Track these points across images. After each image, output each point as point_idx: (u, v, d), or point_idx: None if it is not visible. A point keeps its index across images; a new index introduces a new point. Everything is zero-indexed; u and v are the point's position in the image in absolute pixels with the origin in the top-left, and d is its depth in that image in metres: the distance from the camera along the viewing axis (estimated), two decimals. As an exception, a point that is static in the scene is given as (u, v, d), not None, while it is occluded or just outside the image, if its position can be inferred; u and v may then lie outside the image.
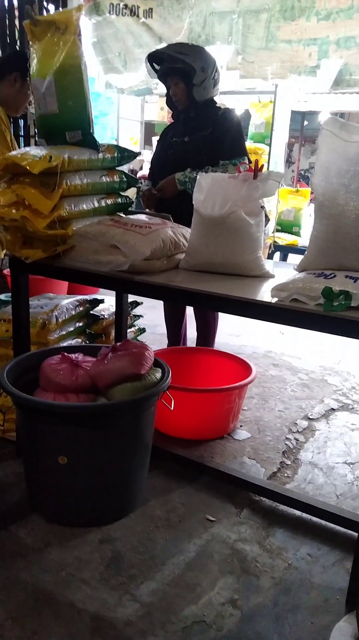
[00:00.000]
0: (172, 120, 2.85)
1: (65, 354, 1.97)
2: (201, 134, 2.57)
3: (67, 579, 1.64)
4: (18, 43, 3.82)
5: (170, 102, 2.69)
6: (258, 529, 1.91)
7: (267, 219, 2.67)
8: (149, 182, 2.78)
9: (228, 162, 2.51)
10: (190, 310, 3.15)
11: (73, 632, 1.46)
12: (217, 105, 2.66)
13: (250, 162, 2.56)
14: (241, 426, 2.65)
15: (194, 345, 3.13)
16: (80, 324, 2.68)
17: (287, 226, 5.76)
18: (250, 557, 1.77)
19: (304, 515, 1.97)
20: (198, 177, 1.91)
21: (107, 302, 2.91)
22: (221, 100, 4.91)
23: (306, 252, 1.66)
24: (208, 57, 2.53)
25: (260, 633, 1.49)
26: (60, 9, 4.04)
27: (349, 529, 1.86)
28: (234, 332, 4.00)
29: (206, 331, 3.07)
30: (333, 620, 1.52)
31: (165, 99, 2.78)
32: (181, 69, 2.47)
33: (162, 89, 2.72)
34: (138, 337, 3.08)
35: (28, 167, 1.77)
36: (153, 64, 2.61)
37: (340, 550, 1.82)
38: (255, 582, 1.67)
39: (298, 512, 1.98)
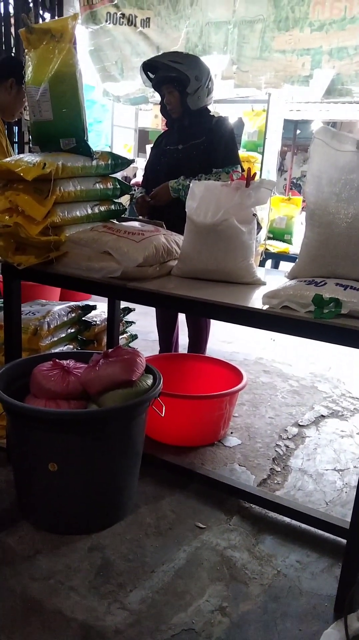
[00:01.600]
0: (166, 128, 2.88)
1: (57, 360, 1.97)
2: (195, 142, 2.59)
3: (55, 587, 1.63)
4: (14, 50, 3.83)
5: (164, 111, 2.71)
6: (248, 536, 1.91)
7: (259, 227, 2.68)
8: (142, 189, 2.79)
9: (221, 170, 2.53)
10: (182, 317, 3.16)
11: (61, 640, 1.45)
12: (211, 113, 2.68)
13: (243, 170, 2.58)
14: (231, 433, 2.66)
15: (186, 351, 3.13)
16: (72, 331, 2.68)
17: (279, 234, 5.79)
18: (239, 564, 1.77)
19: (294, 522, 1.97)
20: (191, 184, 1.92)
21: (99, 309, 2.91)
22: (215, 109, 4.96)
23: (297, 259, 1.68)
24: (203, 66, 2.55)
25: (248, 641, 1.49)
26: (56, 17, 4.05)
27: (338, 536, 1.87)
28: (226, 339, 4.01)
29: (198, 338, 3.08)
30: (321, 627, 1.52)
31: (159, 106, 2.81)
32: (176, 78, 2.49)
33: (158, 98, 2.74)
34: (130, 344, 3.08)
35: (22, 174, 1.78)
36: (148, 72, 2.63)
37: (329, 557, 1.83)
38: (244, 589, 1.67)
39: (287, 519, 1.99)
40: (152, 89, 2.71)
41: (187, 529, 1.92)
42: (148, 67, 2.61)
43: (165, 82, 2.56)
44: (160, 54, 2.79)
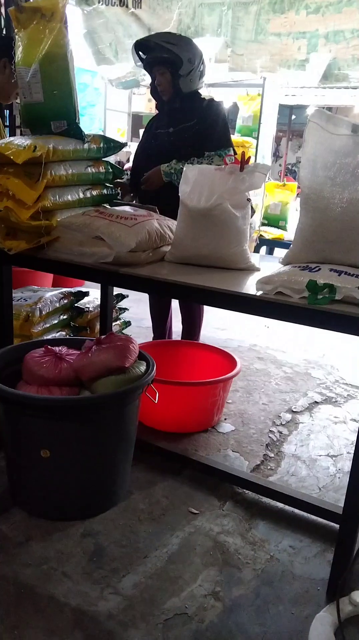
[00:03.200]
0: (157, 112, 2.84)
1: (49, 346, 1.96)
2: (186, 125, 2.55)
3: (48, 572, 1.63)
4: (4, 31, 3.76)
5: (154, 92, 2.67)
6: (241, 521, 1.92)
7: (252, 211, 2.66)
8: (129, 175, 2.76)
9: (213, 153, 2.50)
10: (175, 304, 3.15)
11: (54, 626, 1.45)
12: (202, 97, 2.64)
13: (235, 153, 2.55)
14: (225, 419, 2.66)
15: (179, 338, 3.12)
16: (65, 317, 2.67)
17: (273, 220, 5.76)
18: (232, 549, 1.78)
19: (287, 507, 1.98)
20: (184, 168, 1.90)
21: (92, 295, 2.89)
22: (209, 93, 4.90)
23: (291, 245, 1.66)
24: (196, 49, 2.51)
25: (241, 624, 1.50)
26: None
27: (330, 520, 1.88)
28: (220, 326, 4.00)
29: (192, 324, 3.07)
30: (313, 611, 1.53)
31: (149, 88, 2.76)
32: (168, 59, 2.45)
33: (149, 80, 2.69)
34: (123, 330, 3.07)
35: (12, 157, 1.74)
36: (140, 52, 2.58)
37: (322, 542, 1.84)
38: (237, 574, 1.68)
39: (280, 505, 1.99)
40: (144, 71, 2.66)
41: (180, 514, 1.92)
42: (141, 46, 2.56)
43: (157, 63, 2.51)
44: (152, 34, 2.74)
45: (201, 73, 2.55)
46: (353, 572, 1.67)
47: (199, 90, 2.62)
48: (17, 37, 1.98)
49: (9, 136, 3.70)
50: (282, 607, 1.56)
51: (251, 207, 2.17)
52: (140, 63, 2.60)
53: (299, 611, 1.55)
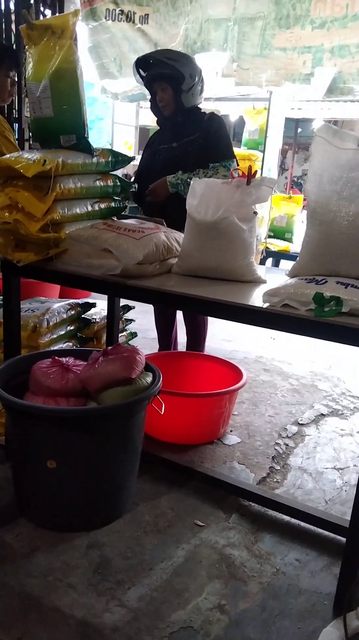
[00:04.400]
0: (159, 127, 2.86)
1: (56, 357, 1.97)
2: (189, 138, 2.59)
3: (54, 584, 1.63)
4: (14, 47, 3.82)
5: (154, 107, 2.70)
6: (247, 534, 1.91)
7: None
8: (136, 188, 2.78)
9: (218, 164, 2.53)
10: (180, 315, 3.16)
11: (59, 638, 1.45)
12: (202, 111, 2.69)
13: (237, 164, 2.58)
14: (231, 431, 2.66)
15: (185, 349, 3.13)
16: (72, 328, 2.68)
17: (279, 232, 5.79)
18: (238, 562, 1.77)
19: (293, 520, 1.97)
20: (191, 182, 1.92)
21: (99, 306, 2.90)
22: (216, 107, 4.95)
23: (298, 257, 1.67)
24: (196, 65, 2.57)
25: (247, 638, 1.49)
26: (57, 13, 4.04)
27: (337, 534, 1.87)
28: (226, 337, 4.01)
29: (196, 335, 3.07)
30: (320, 626, 1.52)
31: (149, 100, 2.76)
32: (170, 74, 2.48)
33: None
34: (130, 342, 3.07)
35: (22, 171, 1.77)
36: (140, 70, 2.61)
37: (328, 555, 1.82)
38: (243, 587, 1.67)
39: (286, 518, 1.98)
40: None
41: (186, 526, 1.92)
42: (141, 63, 2.60)
43: (158, 78, 2.54)
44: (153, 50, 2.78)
45: (201, 89, 2.60)
46: (360, 586, 1.66)
47: (199, 106, 2.66)
48: (27, 53, 2.02)
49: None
50: (288, 622, 1.55)
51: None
52: (140, 80, 2.64)
53: (305, 626, 1.54)
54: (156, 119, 2.75)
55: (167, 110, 2.61)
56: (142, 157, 2.90)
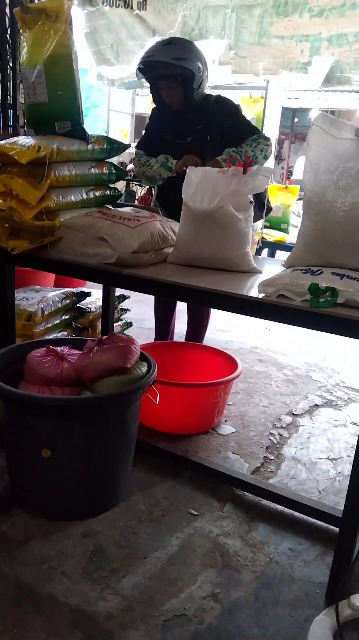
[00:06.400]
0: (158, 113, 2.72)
1: (51, 346, 1.96)
2: (201, 126, 2.51)
3: (48, 572, 1.63)
4: (9, 31, 3.77)
5: (157, 100, 2.59)
6: (241, 523, 1.92)
7: (269, 209, 2.60)
8: (131, 176, 2.69)
9: (256, 136, 2.45)
10: (180, 306, 3.14)
11: (54, 626, 1.45)
12: (207, 94, 2.58)
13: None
14: (225, 421, 2.66)
15: (181, 340, 3.12)
16: (67, 317, 2.67)
17: (275, 223, 5.76)
18: (231, 551, 1.78)
19: (287, 510, 1.98)
20: (187, 170, 1.90)
21: (94, 295, 2.89)
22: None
23: (293, 248, 1.66)
24: (200, 53, 2.45)
25: (240, 626, 1.50)
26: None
27: (330, 524, 1.88)
28: (221, 328, 4.01)
29: (198, 327, 3.06)
30: (312, 614, 1.53)
31: (150, 91, 2.65)
32: (181, 75, 2.38)
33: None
34: (125, 331, 3.07)
35: (16, 157, 1.75)
36: (142, 65, 2.46)
37: (321, 545, 1.84)
38: (237, 576, 1.68)
39: (280, 507, 1.99)
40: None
41: (180, 516, 1.93)
42: (145, 65, 2.44)
43: (167, 78, 2.43)
44: (156, 38, 2.66)
45: (207, 78, 2.52)
46: (352, 575, 1.67)
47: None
48: (22, 37, 1.99)
49: (12, 136, 3.72)
50: (281, 610, 1.57)
51: (269, 207, 2.09)
52: (144, 80, 2.53)
53: (298, 614, 1.56)
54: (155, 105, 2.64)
55: (176, 106, 2.52)
56: (147, 143, 2.72)
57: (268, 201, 2.44)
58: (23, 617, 1.48)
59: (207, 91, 2.61)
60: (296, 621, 1.53)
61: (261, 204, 2.23)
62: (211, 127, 2.51)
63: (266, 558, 1.76)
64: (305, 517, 1.94)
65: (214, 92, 2.66)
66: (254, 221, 1.89)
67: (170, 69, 2.37)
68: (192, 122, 2.55)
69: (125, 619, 1.49)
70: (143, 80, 2.57)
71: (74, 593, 1.56)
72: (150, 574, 1.65)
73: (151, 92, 2.62)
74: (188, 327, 3.08)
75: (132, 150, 2.89)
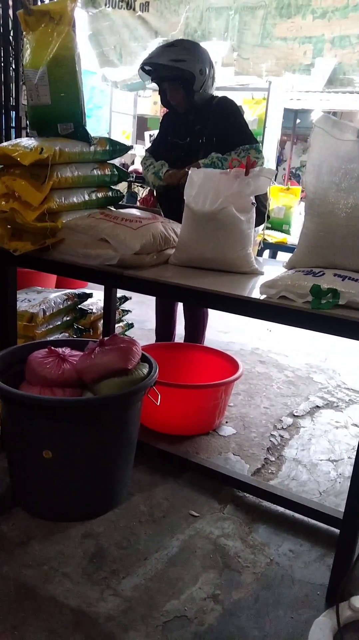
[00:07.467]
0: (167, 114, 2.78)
1: (52, 347, 1.96)
2: (198, 128, 2.51)
3: (49, 573, 1.63)
4: (12, 33, 3.77)
5: (164, 101, 2.62)
6: (241, 524, 1.92)
7: (268, 217, 2.59)
8: (134, 177, 2.70)
9: (248, 146, 2.44)
10: (180, 307, 3.14)
11: (54, 627, 1.46)
12: (213, 96, 2.57)
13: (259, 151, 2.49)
14: (226, 422, 2.66)
15: (182, 341, 3.12)
16: (68, 318, 2.67)
17: (277, 224, 5.76)
18: (232, 552, 1.78)
19: (287, 511, 1.98)
20: (189, 172, 1.90)
21: (96, 297, 2.90)
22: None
23: (295, 249, 1.66)
24: (205, 56, 2.44)
25: (240, 627, 1.50)
26: (55, -1, 3.98)
27: (331, 525, 1.88)
28: (222, 329, 4.01)
29: (196, 328, 3.06)
30: (313, 616, 1.53)
31: (157, 92, 2.69)
32: (181, 77, 2.38)
33: (155, 84, 2.65)
34: (126, 332, 3.07)
35: (19, 159, 1.75)
36: (144, 67, 2.48)
37: (322, 546, 1.84)
38: (237, 577, 1.68)
39: (281, 509, 1.99)
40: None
41: (181, 517, 1.93)
42: (146, 68, 2.47)
43: (168, 80, 2.45)
44: (157, 48, 2.60)
45: (213, 78, 2.50)
46: (353, 577, 1.67)
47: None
48: (25, 39, 2.00)
49: (15, 137, 3.73)
50: (281, 611, 1.56)
51: (268, 215, 2.08)
52: (146, 77, 2.53)
53: (298, 615, 1.55)
54: (159, 106, 2.67)
55: (181, 108, 2.54)
56: (154, 145, 2.76)
57: (267, 209, 2.43)
58: (23, 618, 1.48)
59: (214, 93, 2.60)
60: (297, 623, 1.53)
61: (260, 212, 2.20)
62: (208, 128, 2.51)
63: (266, 559, 1.76)
64: (306, 518, 1.94)
65: (217, 93, 2.64)
66: (255, 227, 1.90)
67: (168, 70, 2.39)
68: (192, 123, 2.56)
69: (126, 620, 1.49)
70: (146, 81, 2.59)
71: (75, 594, 1.56)
72: (151, 575, 1.66)
73: (159, 94, 2.65)
74: (186, 331, 3.07)
75: (134, 151, 2.90)
